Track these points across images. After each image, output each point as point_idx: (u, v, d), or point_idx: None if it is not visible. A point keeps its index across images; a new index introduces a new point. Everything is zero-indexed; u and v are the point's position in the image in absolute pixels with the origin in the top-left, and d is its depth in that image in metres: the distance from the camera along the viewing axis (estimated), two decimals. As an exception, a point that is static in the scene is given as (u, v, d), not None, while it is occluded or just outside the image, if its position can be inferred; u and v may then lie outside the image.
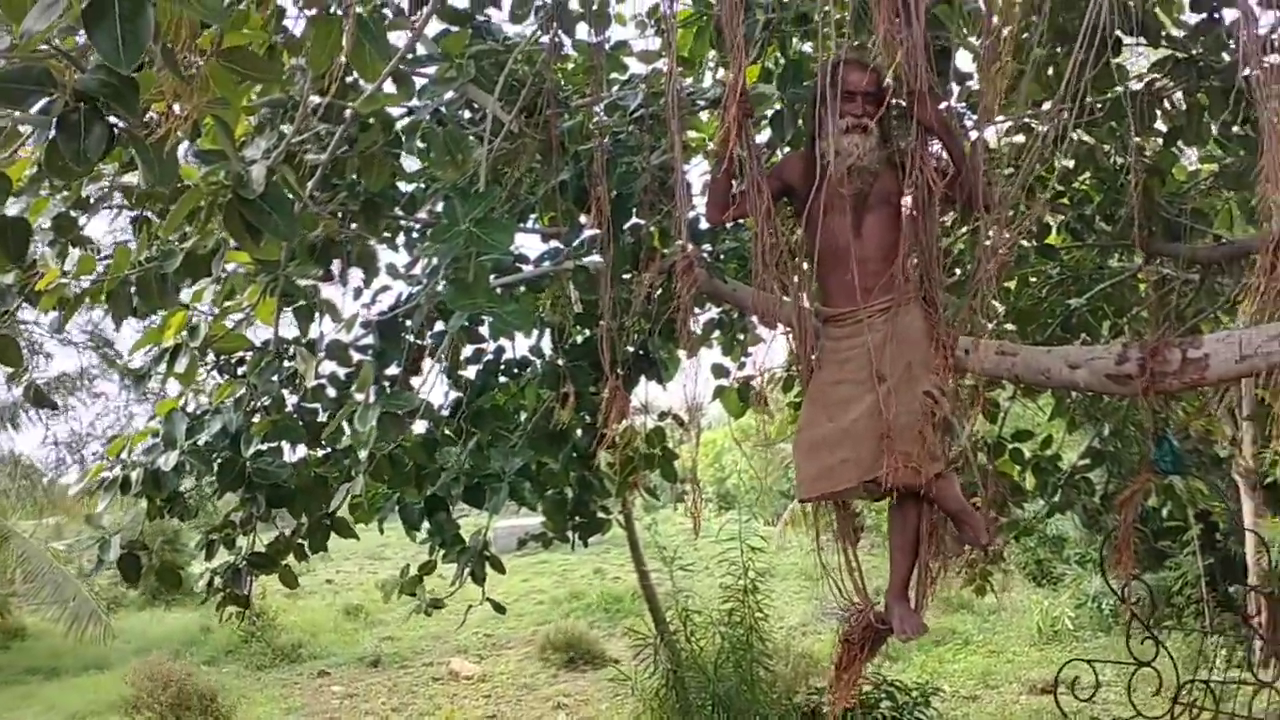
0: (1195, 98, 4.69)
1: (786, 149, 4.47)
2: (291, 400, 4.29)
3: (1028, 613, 14.46)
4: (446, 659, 14.70)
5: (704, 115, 4.86)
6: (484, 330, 4.78)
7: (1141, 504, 8.71)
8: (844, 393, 3.36)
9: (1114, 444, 6.10)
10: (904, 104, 3.21)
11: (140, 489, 3.99)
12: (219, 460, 3.99)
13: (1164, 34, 4.60)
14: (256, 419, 3.96)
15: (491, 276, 4.79)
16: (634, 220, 4.51)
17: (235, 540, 4.59)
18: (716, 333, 6.12)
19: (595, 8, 4.13)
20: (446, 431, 4.90)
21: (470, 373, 5.16)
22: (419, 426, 4.90)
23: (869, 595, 3.67)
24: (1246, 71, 3.46)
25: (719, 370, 6.01)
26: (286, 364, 4.15)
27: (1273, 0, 4.11)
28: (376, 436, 3.47)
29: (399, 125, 3.65)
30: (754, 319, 4.07)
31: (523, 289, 5.25)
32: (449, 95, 3.75)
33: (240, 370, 4.51)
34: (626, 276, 4.45)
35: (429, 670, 14.38)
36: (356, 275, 4.50)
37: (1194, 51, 4.51)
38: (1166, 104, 4.86)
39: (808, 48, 4.50)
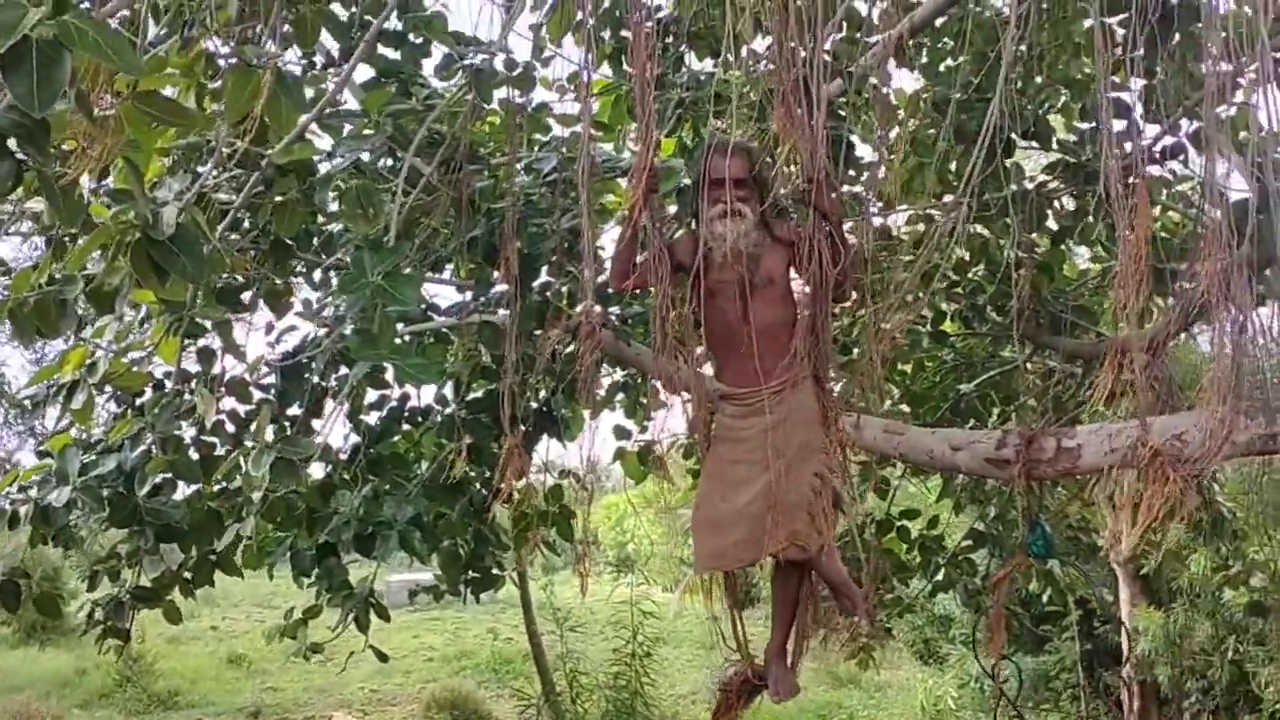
0: (1083, 200, 4.97)
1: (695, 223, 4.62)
2: (190, 434, 4.26)
3: (913, 691, 14.62)
4: (329, 713, 14.36)
5: (623, 182, 5.00)
6: (389, 376, 4.81)
7: (1023, 588, 8.98)
8: (740, 473, 3.46)
9: (996, 527, 6.31)
10: (802, 190, 3.36)
11: (29, 523, 3.93)
12: (111, 497, 3.94)
13: (1056, 139, 4.87)
14: (154, 459, 3.93)
15: (399, 325, 4.87)
16: (543, 279, 4.61)
17: (120, 573, 4.52)
18: (620, 395, 6.20)
19: (519, 71, 4.26)
20: (344, 476, 4.90)
21: (372, 418, 5.17)
22: (316, 470, 4.90)
23: (750, 653, 3.78)
24: (1133, 180, 3.68)
25: (620, 432, 6.10)
26: (186, 398, 4.13)
27: (1154, 115, 4.40)
28: (270, 480, 3.48)
29: (317, 174, 3.71)
30: (657, 384, 4.17)
31: (431, 339, 5.30)
32: (366, 152, 3.82)
33: (139, 405, 4.47)
34: (535, 334, 4.53)
35: (310, 724, 14.05)
36: (265, 313, 4.50)
37: (1083, 157, 4.78)
38: (1057, 204, 5.13)
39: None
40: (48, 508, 3.92)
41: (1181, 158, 4.68)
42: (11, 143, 2.00)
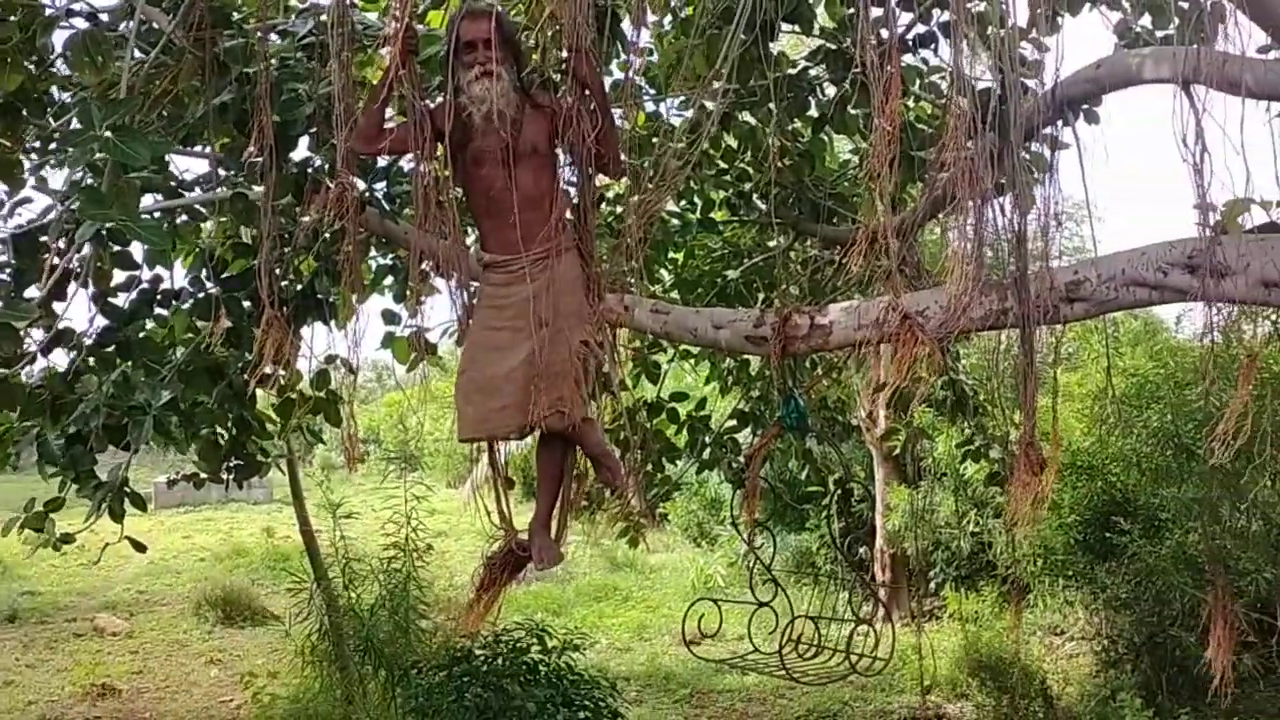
0: (843, 88, 5.11)
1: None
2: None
3: (685, 571, 15.23)
4: (92, 615, 13.80)
5: (384, 53, 4.82)
6: (138, 255, 4.55)
7: (784, 467, 9.40)
8: (502, 339, 3.48)
9: (759, 407, 6.57)
10: (564, 60, 3.34)
11: None
12: None
13: (818, 25, 4.97)
14: None
15: (152, 198, 4.59)
16: (304, 154, 4.43)
17: None
18: (389, 279, 6.07)
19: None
20: (90, 362, 4.63)
21: (121, 301, 4.88)
22: (60, 358, 4.61)
23: (515, 528, 3.83)
24: (891, 69, 3.80)
25: (389, 317, 5.97)
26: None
27: (905, 3, 4.56)
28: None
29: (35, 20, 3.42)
30: (425, 266, 4.11)
31: (184, 216, 5.03)
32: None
33: None
34: (294, 209, 4.35)
35: (71, 626, 13.43)
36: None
37: (843, 44, 4.90)
38: (819, 92, 5.27)
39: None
40: None
41: (933, 47, 4.88)
42: None
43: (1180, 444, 8.33)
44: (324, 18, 4.19)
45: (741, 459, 6.26)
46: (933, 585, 12.29)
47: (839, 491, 7.20)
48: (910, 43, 4.86)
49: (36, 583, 15.38)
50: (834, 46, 4.93)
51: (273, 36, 4.16)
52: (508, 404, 3.43)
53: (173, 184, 4.69)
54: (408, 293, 6.09)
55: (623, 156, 3.79)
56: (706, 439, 6.55)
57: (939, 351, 3.65)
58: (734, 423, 6.60)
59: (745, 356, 6.42)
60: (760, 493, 5.00)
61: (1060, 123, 4.40)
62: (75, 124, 3.62)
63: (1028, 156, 4.37)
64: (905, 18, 4.74)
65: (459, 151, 3.37)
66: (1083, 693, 9.27)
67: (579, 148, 3.41)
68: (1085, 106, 4.62)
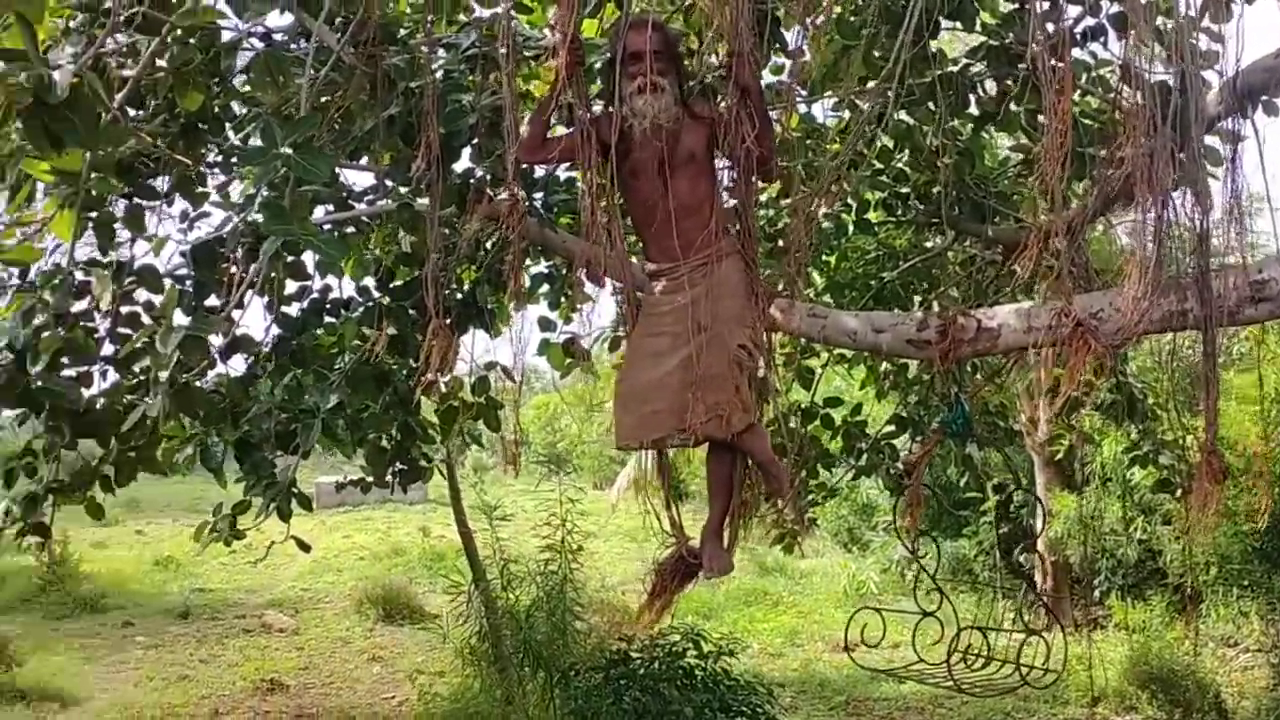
0: (1005, 85, 4.96)
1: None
2: (104, 326, 4.12)
3: (836, 577, 15.04)
4: (260, 612, 14.39)
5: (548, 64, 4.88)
6: (310, 266, 4.71)
7: (943, 473, 9.19)
8: (661, 345, 3.49)
9: (918, 412, 6.43)
10: (724, 66, 3.32)
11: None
12: (2, 376, 3.79)
13: (980, 21, 4.84)
14: (46, 335, 3.78)
15: (322, 210, 4.75)
16: (466, 165, 4.51)
17: (36, 470, 4.40)
18: (545, 287, 6.15)
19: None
20: (266, 368, 4.81)
21: (294, 310, 5.07)
22: (238, 364, 4.80)
23: (686, 535, 3.83)
24: (1054, 63, 3.67)
25: (545, 324, 6.05)
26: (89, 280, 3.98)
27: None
28: (178, 360, 3.37)
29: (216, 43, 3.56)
30: (582, 274, 4.14)
31: (351, 228, 5.18)
32: (278, 19, 3.67)
33: (31, 281, 4.29)
34: (455, 220, 4.44)
35: (240, 623, 14.03)
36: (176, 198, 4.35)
37: (1006, 40, 4.75)
38: (980, 89, 5.12)
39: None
40: (-72, 385, 3.75)
41: (1102, 40, 4.68)
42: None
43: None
44: (486, 31, 4.29)
45: (900, 465, 6.14)
46: (1097, 594, 11.85)
47: (999, 497, 7.00)
48: (1078, 36, 4.68)
49: (206, 580, 16.12)
50: (996, 42, 4.78)
51: (430, 48, 4.25)
52: (661, 409, 3.44)
53: (341, 196, 4.84)
54: (563, 300, 6.20)
55: (779, 160, 3.76)
56: (863, 445, 6.44)
57: (1113, 358, 3.49)
58: (892, 428, 6.47)
59: (903, 360, 6.30)
60: (921, 499, 4.89)
61: (1239, 114, 4.18)
62: (255, 141, 3.77)
63: (1204, 150, 4.17)
64: (1072, 11, 4.57)
65: (619, 162, 3.39)
66: (1259, 707, 8.82)
67: (738, 153, 3.39)
68: (1265, 97, 4.38)
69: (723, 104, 3.44)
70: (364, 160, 4.97)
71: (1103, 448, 9.78)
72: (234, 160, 4.33)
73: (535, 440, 26.34)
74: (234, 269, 4.29)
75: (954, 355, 3.93)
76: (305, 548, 5.18)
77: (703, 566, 3.66)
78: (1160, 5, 4.22)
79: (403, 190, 4.34)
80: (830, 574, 15.35)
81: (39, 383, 3.73)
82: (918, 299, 6.27)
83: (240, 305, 4.50)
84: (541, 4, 4.75)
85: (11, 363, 3.73)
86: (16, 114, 2.54)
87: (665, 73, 3.33)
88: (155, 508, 21.52)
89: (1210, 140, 4.47)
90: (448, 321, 4.29)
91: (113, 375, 4.26)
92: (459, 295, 5.15)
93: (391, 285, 4.92)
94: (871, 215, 6.21)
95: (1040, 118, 5.08)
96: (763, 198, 5.83)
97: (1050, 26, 3.97)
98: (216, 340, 4.25)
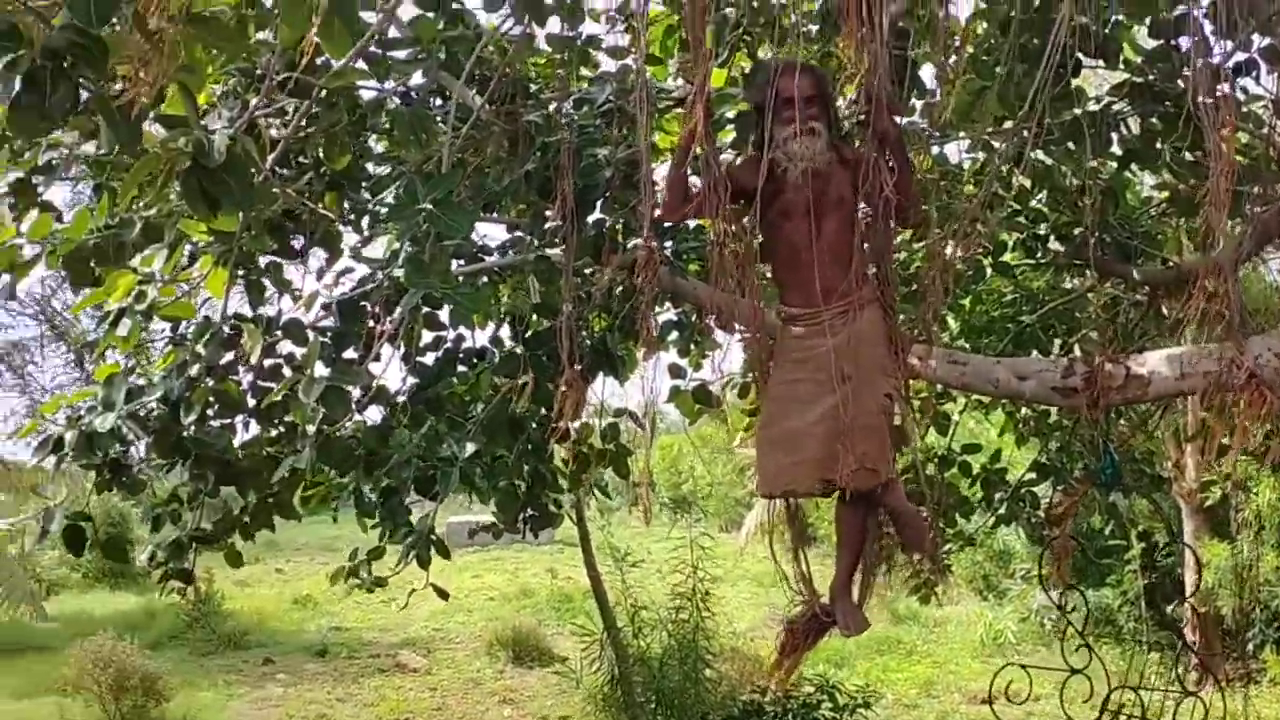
0: (1150, 122, 4.80)
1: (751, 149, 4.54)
2: (247, 379, 4.27)
3: (972, 625, 14.62)
4: (394, 651, 14.64)
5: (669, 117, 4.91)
6: (444, 316, 4.79)
7: (1085, 522, 8.89)
8: (804, 391, 3.43)
9: (1060, 459, 6.21)
10: (862, 111, 3.28)
11: (74, 451, 3.92)
12: (156, 426, 3.95)
13: (1122, 58, 4.70)
14: (199, 388, 3.92)
15: (455, 263, 4.84)
16: (597, 215, 4.55)
17: (180, 516, 4.57)
18: (674, 334, 6.14)
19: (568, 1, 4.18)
20: (401, 418, 4.90)
21: (429, 359, 5.16)
22: (373, 413, 4.91)
23: (816, 590, 3.76)
24: (1198, 99, 3.55)
25: (675, 371, 6.03)
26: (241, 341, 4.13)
27: (1226, 29, 4.22)
28: (322, 412, 3.46)
29: (365, 104, 3.67)
30: (711, 321, 4.13)
31: (484, 279, 5.27)
32: (418, 79, 3.77)
33: (185, 335, 4.47)
34: (588, 270, 4.48)
35: (375, 662, 14.30)
36: (319, 255, 4.49)
37: (1150, 76, 4.60)
38: (1122, 127, 4.96)
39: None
40: (92, 434, 3.91)
41: (1254, 74, 4.50)
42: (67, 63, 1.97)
43: None
44: (619, 84, 4.33)
45: (1042, 514, 5.94)
46: (1250, 647, 11.25)
47: (1144, 545, 6.72)
48: (1227, 72, 4.50)
49: (343, 618, 16.48)
50: (1140, 79, 4.63)
51: (570, 104, 4.32)
52: (809, 458, 3.37)
53: (475, 250, 4.92)
54: (692, 346, 6.18)
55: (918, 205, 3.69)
56: (1002, 493, 6.25)
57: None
58: (1033, 475, 6.26)
59: (1044, 406, 6.10)
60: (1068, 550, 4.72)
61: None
62: (395, 198, 3.87)
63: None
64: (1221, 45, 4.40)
65: (765, 205, 3.37)
66: None
67: (877, 199, 3.34)
68: None
69: (861, 149, 3.41)
70: (495, 213, 5.06)
71: (1257, 494, 9.31)
72: (375, 215, 4.45)
73: (661, 482, 26.33)
74: (374, 322, 4.40)
75: (1102, 403, 3.80)
76: (444, 595, 5.24)
77: (837, 624, 3.58)
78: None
79: (537, 242, 4.39)
80: (966, 622, 14.93)
81: (191, 433, 3.87)
82: (1057, 342, 6.07)
83: (378, 357, 4.62)
84: (668, 55, 4.79)
85: (166, 414, 3.89)
86: (175, 177, 2.65)
87: (818, 116, 3.32)
88: (293, 547, 22.15)
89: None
90: (582, 367, 4.33)
91: (254, 426, 4.40)
92: (589, 342, 5.19)
93: (526, 335, 4.98)
94: (1009, 257, 6.06)
95: (1187, 155, 4.92)
96: (897, 240, 5.75)
97: (1201, 62, 3.84)
98: (355, 391, 4.36)
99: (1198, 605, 10.92)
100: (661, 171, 5.57)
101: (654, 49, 4.93)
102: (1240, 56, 4.53)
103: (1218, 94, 3.41)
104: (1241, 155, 4.94)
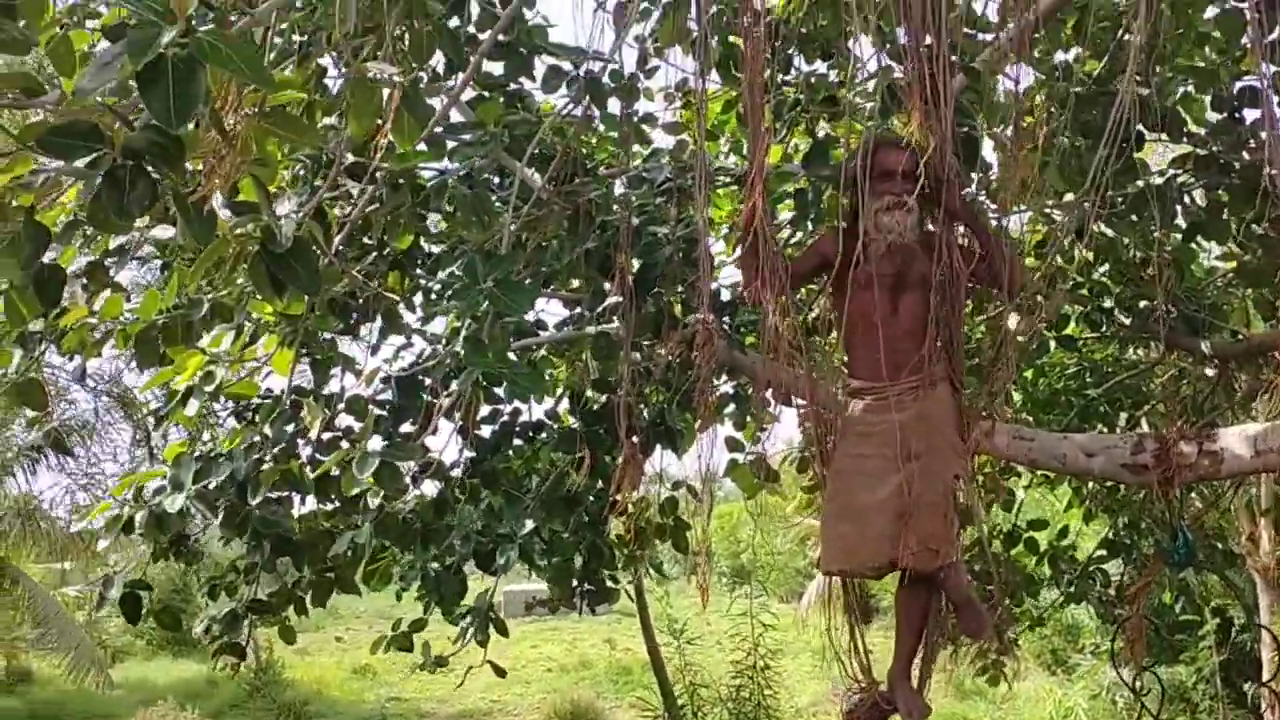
0: (1216, 194, 4.74)
1: (810, 225, 4.55)
2: (306, 452, 4.31)
3: (1041, 702, 14.24)
4: (451, 722, 14.58)
5: (719, 192, 4.94)
6: (500, 391, 4.81)
7: (1157, 598, 8.65)
8: (871, 466, 3.40)
9: (1130, 536, 6.06)
10: (929, 190, 3.27)
11: (143, 530, 3.98)
12: (225, 506, 4.00)
13: (1185, 130, 4.66)
14: (266, 468, 3.97)
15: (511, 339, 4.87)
16: (656, 291, 4.57)
17: (237, 588, 4.59)
18: (731, 406, 6.11)
19: (624, 81, 4.24)
20: (457, 492, 4.91)
21: (485, 433, 5.18)
22: (429, 487, 4.92)
23: (875, 675, 3.67)
24: (1269, 171, 3.50)
25: (733, 444, 5.99)
26: (302, 415, 4.18)
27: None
28: (374, 486, 3.47)
29: (428, 185, 3.73)
30: (768, 394, 4.11)
31: (541, 353, 5.30)
32: (480, 161, 3.83)
33: (252, 415, 4.53)
34: (647, 344, 4.49)
35: (433, 733, 14.25)
36: (375, 330, 4.54)
37: (1214, 149, 4.56)
38: (1186, 199, 4.91)
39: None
40: (162, 514, 3.97)
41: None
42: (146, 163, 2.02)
43: None
44: (676, 162, 4.37)
45: (1113, 592, 5.79)
46: (1334, 731, 10.79)
47: (1218, 621, 6.53)
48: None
49: (401, 688, 16.44)
50: (1204, 151, 4.59)
51: (623, 182, 4.35)
52: (877, 534, 3.33)
53: (532, 325, 4.95)
54: (749, 420, 6.13)
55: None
56: (1071, 570, 6.11)
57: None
58: (1103, 552, 6.12)
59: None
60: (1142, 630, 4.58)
61: None
62: (456, 274, 3.92)
63: None
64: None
65: (843, 276, 3.38)
66: None
67: (949, 276, 3.33)
68: None
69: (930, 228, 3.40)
70: (552, 287, 5.10)
71: (1337, 570, 9.02)
72: (436, 294, 4.50)
73: (718, 551, 26.07)
74: (431, 397, 4.43)
75: (1174, 481, 3.71)
76: (501, 673, 5.21)
77: (899, 711, 3.49)
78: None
79: (596, 319, 4.41)
80: (1035, 698, 14.54)
81: (259, 513, 3.92)
82: (1124, 416, 5.96)
83: (435, 431, 4.64)
84: (723, 131, 4.82)
85: (233, 493, 3.94)
86: (244, 260, 2.71)
87: (912, 193, 3.31)
88: (352, 614, 22.21)
89: None
90: (639, 443, 4.31)
91: (311, 499, 4.43)
92: (647, 416, 5.18)
93: (584, 410, 4.98)
94: (1072, 329, 5.98)
95: (1255, 227, 4.85)
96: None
97: (1270, 133, 3.79)
98: (411, 465, 4.38)
99: (1276, 684, 10.54)
100: (720, 248, 5.58)
101: (709, 124, 4.98)
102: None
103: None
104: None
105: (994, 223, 4.52)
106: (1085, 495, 6.41)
